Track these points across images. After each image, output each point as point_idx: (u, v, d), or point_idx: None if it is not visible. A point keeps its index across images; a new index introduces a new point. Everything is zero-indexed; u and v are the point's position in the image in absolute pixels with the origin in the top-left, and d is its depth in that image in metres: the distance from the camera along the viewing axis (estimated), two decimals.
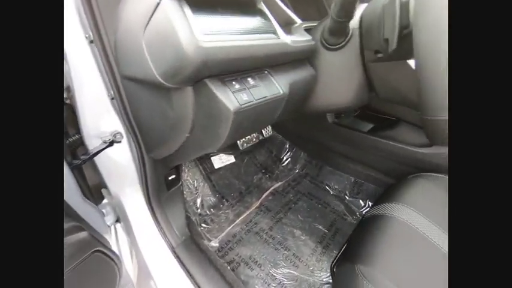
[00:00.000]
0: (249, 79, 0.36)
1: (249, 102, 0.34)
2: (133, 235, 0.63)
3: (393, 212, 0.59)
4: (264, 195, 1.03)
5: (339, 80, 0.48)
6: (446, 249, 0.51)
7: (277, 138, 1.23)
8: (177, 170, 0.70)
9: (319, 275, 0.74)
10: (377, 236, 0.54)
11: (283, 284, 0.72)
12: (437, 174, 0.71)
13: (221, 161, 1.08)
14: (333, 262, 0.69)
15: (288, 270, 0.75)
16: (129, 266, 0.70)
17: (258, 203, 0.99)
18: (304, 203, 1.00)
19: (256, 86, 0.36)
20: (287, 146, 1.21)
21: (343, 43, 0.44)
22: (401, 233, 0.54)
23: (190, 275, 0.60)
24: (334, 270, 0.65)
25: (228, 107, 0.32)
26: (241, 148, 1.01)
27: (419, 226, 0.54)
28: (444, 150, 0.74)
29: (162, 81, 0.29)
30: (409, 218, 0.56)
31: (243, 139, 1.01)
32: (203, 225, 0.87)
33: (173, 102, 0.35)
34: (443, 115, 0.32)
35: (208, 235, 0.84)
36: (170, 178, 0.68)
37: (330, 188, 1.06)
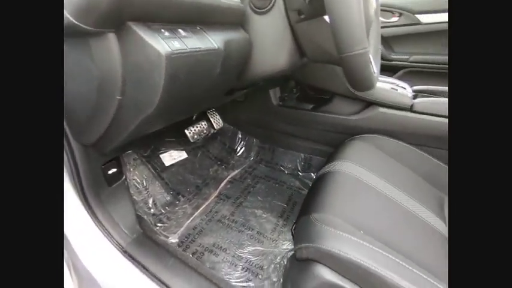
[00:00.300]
0: (180, 30, 0.36)
1: (181, 49, 0.33)
2: (69, 242, 0.54)
3: (336, 167, 0.65)
4: (222, 185, 1.01)
5: (271, 44, 0.52)
6: (387, 192, 0.59)
7: (228, 130, 1.24)
8: (118, 162, 0.63)
9: (283, 244, 0.76)
10: (327, 189, 0.59)
11: (250, 260, 0.71)
12: (367, 135, 0.82)
13: (172, 157, 1.02)
14: (292, 227, 0.72)
15: (253, 248, 0.75)
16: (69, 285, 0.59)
17: (216, 193, 0.97)
18: (262, 185, 1.02)
19: (188, 37, 0.36)
20: (239, 135, 1.22)
21: (269, 6, 0.47)
22: (347, 182, 0.60)
23: (148, 271, 0.54)
24: (293, 231, 0.68)
25: (159, 51, 0.31)
26: (191, 140, 0.98)
27: (361, 175, 0.61)
28: (370, 112, 0.86)
29: (74, 20, 0.26)
30: (351, 170, 0.63)
31: (193, 130, 0.98)
32: (159, 224, 0.80)
33: (94, 54, 0.31)
34: (358, 49, 0.37)
35: (165, 233, 0.78)
36: (110, 172, 0.61)
37: (284, 167, 1.11)
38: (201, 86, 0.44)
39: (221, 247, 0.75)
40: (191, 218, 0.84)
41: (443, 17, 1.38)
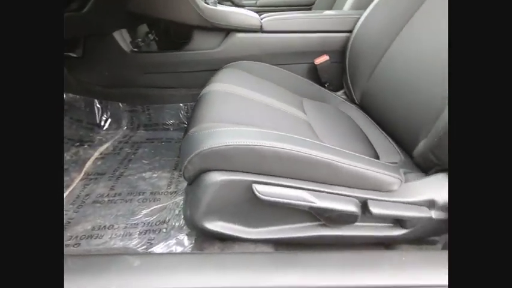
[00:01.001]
0: None
1: None
2: None
3: (208, 89, 0.62)
4: (88, 164, 0.78)
5: None
6: (258, 99, 0.61)
7: (79, 101, 0.94)
8: None
9: (183, 191, 0.69)
10: (201, 107, 0.54)
11: (148, 222, 0.61)
12: (234, 63, 0.82)
13: None
14: None
15: (149, 209, 0.64)
16: None
17: (81, 175, 0.74)
18: (146, 148, 0.87)
19: None
20: (97, 105, 0.96)
21: None
22: (219, 96, 0.58)
23: None
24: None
25: None
26: None
27: (233, 90, 0.61)
28: (230, 40, 0.86)
29: None
30: (223, 88, 0.61)
31: None
32: None
33: None
34: None
35: None
36: None
37: (167, 125, 0.99)
38: None
39: (105, 226, 0.59)
40: None
41: None
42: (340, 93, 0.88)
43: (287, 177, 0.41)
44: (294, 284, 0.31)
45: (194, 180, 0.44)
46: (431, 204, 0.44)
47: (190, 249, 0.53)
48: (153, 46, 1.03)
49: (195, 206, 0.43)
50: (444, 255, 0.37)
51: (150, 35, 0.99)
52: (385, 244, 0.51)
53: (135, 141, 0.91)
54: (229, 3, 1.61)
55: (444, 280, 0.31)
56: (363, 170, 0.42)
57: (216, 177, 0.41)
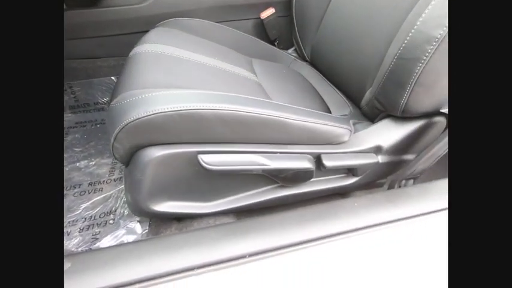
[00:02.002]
0: None
1: None
2: None
3: (137, 50, 0.51)
4: None
5: None
6: (198, 59, 0.52)
7: None
8: None
9: None
10: (127, 73, 0.45)
11: (90, 216, 0.53)
12: (170, 20, 0.69)
13: None
14: None
15: (89, 202, 0.55)
16: None
17: None
18: (77, 134, 0.74)
19: None
20: None
21: None
22: (149, 58, 0.48)
23: None
24: None
25: None
26: None
27: (166, 51, 0.51)
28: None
29: None
30: (154, 48, 0.51)
31: None
32: None
33: None
34: None
35: None
36: None
37: (100, 103, 0.84)
38: None
39: None
40: None
41: None
42: (291, 50, 0.84)
43: (235, 143, 0.37)
44: (258, 248, 0.30)
45: (130, 161, 0.37)
46: (377, 150, 0.46)
47: (144, 237, 0.48)
48: None
49: (136, 189, 0.37)
50: (390, 193, 0.40)
51: None
52: (341, 194, 0.54)
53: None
54: None
55: (391, 217, 0.33)
56: (314, 124, 0.40)
57: (154, 153, 0.35)
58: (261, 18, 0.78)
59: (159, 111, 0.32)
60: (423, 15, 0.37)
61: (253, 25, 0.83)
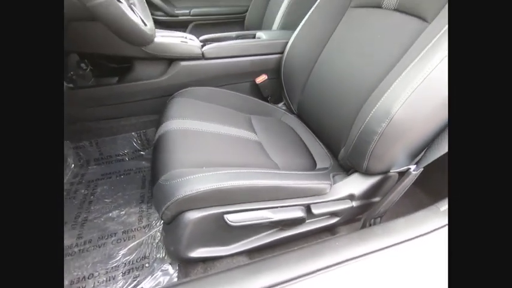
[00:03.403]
0: None
1: None
2: None
3: (165, 128, 0.66)
4: None
5: None
6: (212, 130, 0.68)
7: None
8: None
9: (156, 224, 0.74)
10: (163, 150, 0.60)
11: (129, 261, 0.65)
12: (183, 90, 0.86)
13: None
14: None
15: (126, 248, 0.67)
16: None
17: None
18: (105, 186, 0.86)
19: None
20: None
21: None
22: (178, 136, 0.63)
23: None
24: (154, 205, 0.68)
25: None
26: None
27: (188, 126, 0.66)
28: (175, 69, 0.89)
29: None
30: (178, 125, 0.66)
31: None
32: None
33: None
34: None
35: None
36: None
37: (121, 155, 0.98)
38: None
39: (84, 277, 0.60)
40: None
41: None
42: (281, 104, 1.02)
43: (248, 202, 0.52)
44: (270, 283, 0.43)
45: (172, 221, 0.51)
46: (351, 197, 0.62)
47: (176, 276, 0.60)
48: (89, 75, 0.96)
49: (178, 242, 0.51)
50: (362, 232, 0.55)
51: (82, 65, 0.93)
52: (328, 229, 0.69)
53: (89, 180, 0.88)
54: (162, 13, 1.56)
55: (363, 251, 0.47)
56: (304, 185, 0.56)
57: (193, 216, 0.49)
58: (256, 82, 0.97)
59: (200, 190, 0.47)
60: (376, 106, 0.52)
61: (249, 86, 1.01)
